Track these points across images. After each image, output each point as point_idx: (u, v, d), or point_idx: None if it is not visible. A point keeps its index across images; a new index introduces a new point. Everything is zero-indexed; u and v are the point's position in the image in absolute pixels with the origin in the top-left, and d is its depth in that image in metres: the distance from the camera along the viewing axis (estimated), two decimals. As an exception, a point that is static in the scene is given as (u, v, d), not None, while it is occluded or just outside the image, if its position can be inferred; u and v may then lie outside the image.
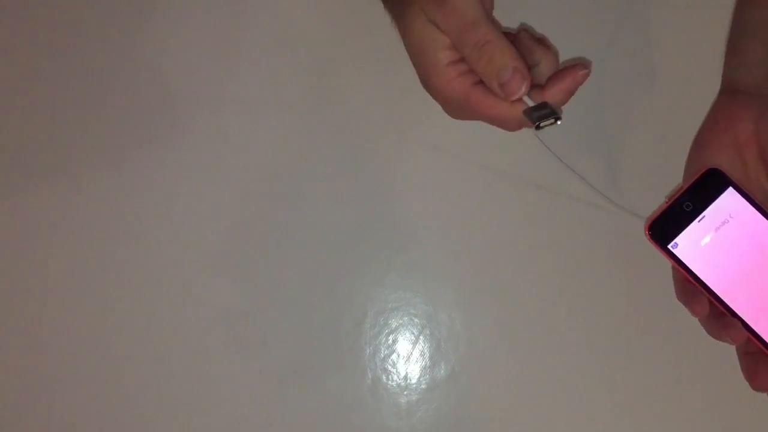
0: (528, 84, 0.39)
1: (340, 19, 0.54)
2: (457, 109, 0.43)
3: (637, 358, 0.52)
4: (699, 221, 0.42)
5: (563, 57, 0.51)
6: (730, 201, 0.42)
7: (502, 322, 0.53)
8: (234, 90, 0.54)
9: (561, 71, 0.42)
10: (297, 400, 0.52)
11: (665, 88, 0.52)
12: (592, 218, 0.52)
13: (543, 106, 0.40)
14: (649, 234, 0.42)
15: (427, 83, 0.42)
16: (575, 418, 0.52)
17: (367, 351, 0.53)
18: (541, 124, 0.40)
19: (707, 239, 0.42)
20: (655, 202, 0.52)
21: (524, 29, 0.45)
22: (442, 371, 0.53)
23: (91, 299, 0.53)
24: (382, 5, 0.45)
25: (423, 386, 0.53)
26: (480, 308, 0.53)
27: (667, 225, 0.42)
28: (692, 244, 0.42)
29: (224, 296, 0.53)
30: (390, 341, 0.53)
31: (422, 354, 0.53)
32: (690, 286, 0.43)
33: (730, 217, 0.42)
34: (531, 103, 0.40)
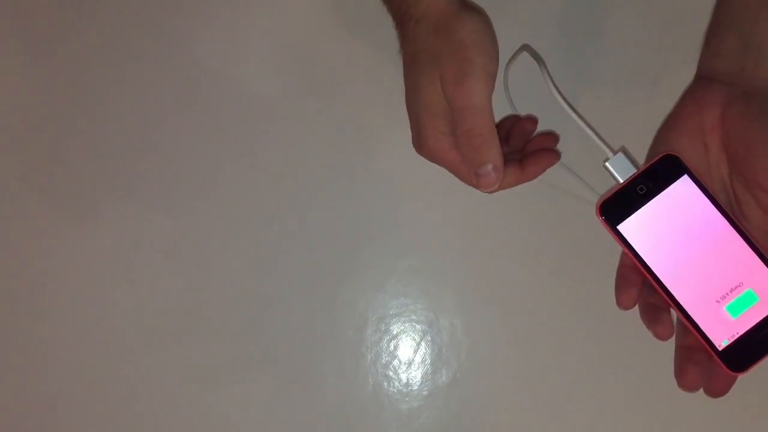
0: (500, 180, 0.43)
1: (339, 25, 0.54)
2: (433, 160, 0.46)
3: (641, 365, 0.52)
4: (651, 205, 0.42)
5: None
6: (684, 188, 0.42)
7: (504, 328, 0.53)
8: (234, 91, 0.54)
9: (539, 155, 0.47)
10: (298, 407, 0.52)
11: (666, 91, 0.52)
12: (596, 224, 0.52)
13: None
14: (600, 212, 0.42)
15: (422, 139, 0.44)
16: (577, 424, 0.52)
17: (369, 357, 0.53)
18: None
19: (657, 224, 0.42)
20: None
21: (531, 118, 0.50)
22: (444, 377, 0.53)
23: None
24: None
25: (424, 392, 0.53)
26: (482, 314, 0.53)
27: (618, 205, 0.42)
28: (641, 228, 0.42)
29: (224, 302, 0.53)
30: (391, 347, 0.53)
31: (423, 360, 0.53)
32: (625, 272, 0.44)
33: (682, 204, 0.42)
34: None
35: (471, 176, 0.43)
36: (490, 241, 0.53)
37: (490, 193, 0.44)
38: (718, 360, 0.40)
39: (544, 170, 0.47)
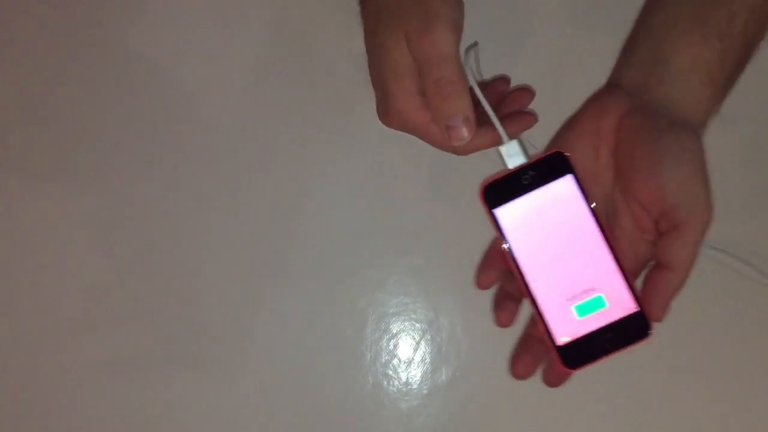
0: (472, 135, 0.42)
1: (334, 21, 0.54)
2: (403, 128, 0.44)
3: (639, 363, 0.52)
4: (531, 196, 0.43)
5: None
6: (565, 187, 0.43)
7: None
8: (235, 93, 0.54)
9: (516, 115, 0.47)
10: (298, 406, 0.52)
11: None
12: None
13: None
14: (483, 194, 0.43)
15: (390, 105, 0.43)
16: (576, 423, 0.52)
17: (368, 356, 0.53)
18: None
19: (532, 216, 0.43)
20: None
21: (504, 78, 0.50)
22: (444, 376, 0.53)
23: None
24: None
25: (424, 391, 0.53)
26: (481, 313, 0.52)
27: (501, 191, 0.43)
28: (517, 216, 0.43)
29: (225, 301, 0.53)
30: (391, 346, 0.53)
31: (423, 359, 0.53)
32: (492, 256, 0.46)
33: (560, 202, 0.43)
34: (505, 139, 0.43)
35: (442, 136, 0.42)
36: (490, 241, 0.53)
37: (463, 153, 0.44)
38: (555, 353, 0.42)
39: (520, 132, 0.46)
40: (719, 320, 0.52)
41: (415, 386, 0.53)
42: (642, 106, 0.44)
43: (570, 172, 0.42)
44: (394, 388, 0.53)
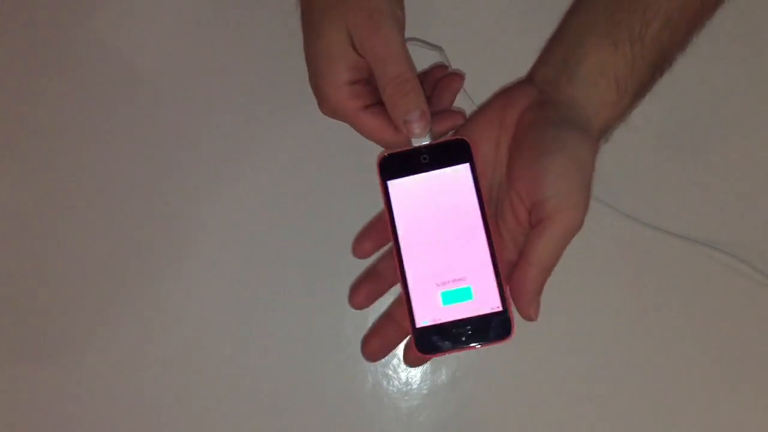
0: (428, 128, 0.43)
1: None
2: (336, 116, 0.46)
3: (640, 362, 0.52)
4: (425, 176, 0.43)
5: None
6: (460, 175, 0.43)
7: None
8: (235, 94, 0.54)
9: (447, 113, 0.48)
10: (298, 405, 0.52)
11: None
12: (594, 222, 0.52)
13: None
14: (380, 164, 0.44)
15: (320, 89, 0.44)
16: (576, 423, 0.52)
17: (368, 356, 0.52)
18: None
19: (422, 196, 0.43)
20: (655, 205, 0.52)
21: (441, 66, 0.51)
22: (443, 376, 0.52)
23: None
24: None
25: (424, 391, 0.53)
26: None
27: (399, 164, 0.44)
28: (408, 193, 0.43)
29: (226, 300, 0.53)
30: (391, 346, 0.53)
31: (423, 359, 0.53)
32: (373, 227, 0.48)
33: (452, 188, 0.43)
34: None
35: (373, 125, 0.44)
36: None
37: (390, 144, 0.45)
38: (411, 334, 0.42)
39: (449, 129, 0.48)
40: (719, 319, 0.52)
41: (414, 386, 0.53)
42: (545, 101, 0.44)
43: (468, 161, 0.43)
44: (394, 388, 0.52)
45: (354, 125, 0.45)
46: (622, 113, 0.45)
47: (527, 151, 0.43)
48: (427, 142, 0.43)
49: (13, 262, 0.53)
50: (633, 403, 0.52)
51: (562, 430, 0.52)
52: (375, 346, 0.47)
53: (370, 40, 0.42)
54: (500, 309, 0.42)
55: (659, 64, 0.45)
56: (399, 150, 0.44)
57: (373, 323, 0.48)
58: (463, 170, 0.43)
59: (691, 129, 0.53)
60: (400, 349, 0.52)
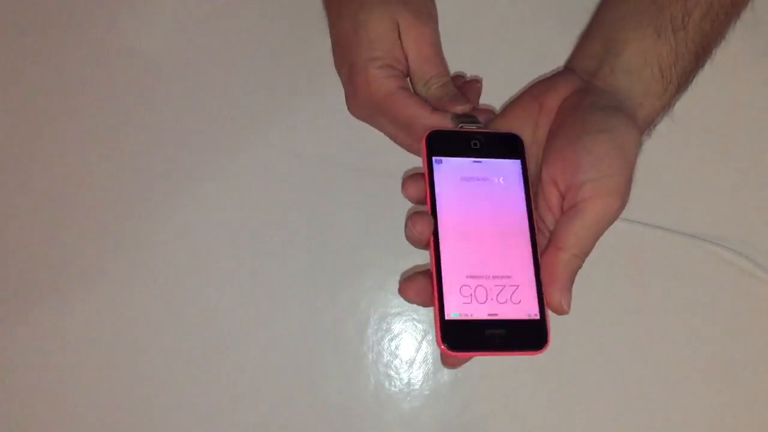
0: (469, 108, 0.44)
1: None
2: (368, 104, 0.46)
3: (640, 361, 0.52)
4: (473, 162, 0.41)
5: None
6: (510, 169, 0.41)
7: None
8: (234, 95, 0.54)
9: (478, 111, 0.47)
10: (300, 406, 0.52)
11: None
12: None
13: (467, 115, 0.45)
14: (427, 138, 0.42)
15: (360, 74, 0.44)
16: (578, 423, 0.52)
17: (370, 356, 0.52)
18: (464, 126, 0.43)
19: (468, 180, 0.41)
20: (655, 203, 0.52)
21: (456, 75, 0.51)
22: (445, 377, 0.52)
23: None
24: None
25: (426, 392, 0.52)
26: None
27: (447, 143, 0.42)
28: (452, 174, 0.41)
29: (227, 300, 0.53)
30: (393, 347, 0.53)
31: (425, 359, 0.53)
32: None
33: (500, 182, 0.41)
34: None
35: (408, 107, 0.44)
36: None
37: (419, 134, 0.43)
38: (438, 327, 0.38)
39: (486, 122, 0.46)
40: (722, 316, 0.52)
41: (416, 387, 0.53)
42: (588, 88, 0.43)
43: (520, 158, 0.42)
44: (396, 389, 0.52)
45: (391, 104, 0.44)
46: (666, 104, 0.44)
47: (567, 132, 0.41)
48: (480, 130, 0.42)
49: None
50: (635, 401, 0.52)
51: (564, 430, 0.52)
52: (413, 290, 0.41)
53: (418, 40, 0.44)
54: (537, 317, 0.39)
55: (701, 54, 0.44)
56: (448, 129, 0.43)
57: (408, 275, 0.42)
58: (513, 165, 0.41)
59: (692, 126, 0.53)
60: (402, 349, 0.53)
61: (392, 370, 0.53)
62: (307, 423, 0.52)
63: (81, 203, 0.53)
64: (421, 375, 0.52)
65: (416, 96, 0.45)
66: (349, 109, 0.47)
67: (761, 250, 0.52)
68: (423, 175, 0.42)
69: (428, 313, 0.52)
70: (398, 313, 0.53)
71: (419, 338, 0.53)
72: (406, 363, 0.53)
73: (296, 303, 0.52)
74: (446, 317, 0.38)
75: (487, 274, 0.39)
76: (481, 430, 0.53)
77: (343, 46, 0.46)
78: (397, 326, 0.53)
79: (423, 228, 0.39)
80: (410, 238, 0.41)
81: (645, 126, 0.44)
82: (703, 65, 0.45)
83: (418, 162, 0.52)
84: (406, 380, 0.53)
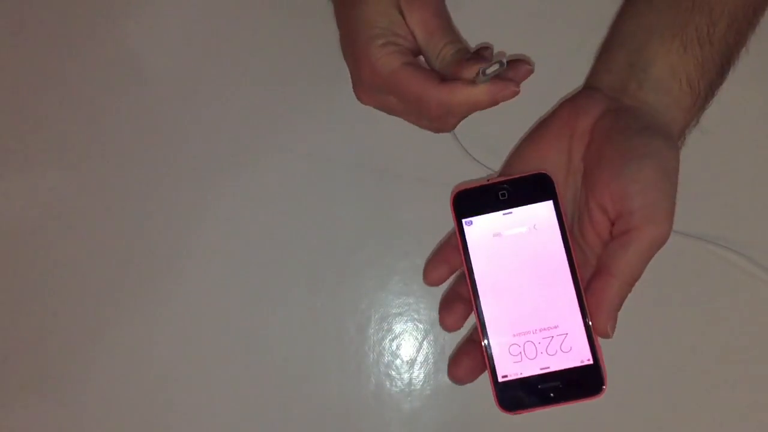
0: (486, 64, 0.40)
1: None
2: (373, 86, 0.43)
3: (640, 361, 0.52)
4: (505, 214, 0.41)
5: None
6: (543, 212, 0.40)
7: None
8: (235, 97, 0.54)
9: (514, 61, 0.44)
10: (300, 406, 0.52)
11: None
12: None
13: (487, 57, 0.42)
14: (453, 200, 0.41)
15: (363, 53, 0.42)
16: (579, 422, 0.52)
17: (371, 356, 0.52)
18: (488, 71, 0.40)
19: (501, 234, 0.40)
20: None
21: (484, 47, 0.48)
22: (447, 377, 0.52)
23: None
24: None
25: (427, 392, 0.52)
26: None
27: (474, 201, 0.41)
28: (485, 231, 0.40)
29: (227, 300, 0.53)
30: (394, 347, 0.53)
31: (426, 359, 0.53)
32: (445, 251, 0.44)
33: (536, 227, 0.40)
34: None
35: (419, 81, 0.41)
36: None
37: (432, 112, 0.42)
38: (493, 390, 0.39)
39: (523, 78, 0.43)
40: (720, 316, 0.52)
41: (417, 387, 0.52)
42: (619, 108, 0.42)
43: (552, 198, 0.40)
44: (397, 389, 0.52)
45: (397, 80, 0.42)
46: (695, 117, 0.44)
47: (610, 160, 0.40)
48: (504, 177, 0.41)
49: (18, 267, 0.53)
50: (635, 400, 0.52)
51: (565, 430, 0.52)
52: (465, 368, 0.43)
53: (421, 12, 0.41)
54: (591, 362, 0.39)
55: (725, 65, 0.44)
56: (475, 185, 0.41)
57: (459, 346, 0.45)
58: (546, 207, 0.40)
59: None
60: (403, 349, 0.53)
61: (393, 370, 0.53)
62: (308, 423, 0.52)
63: (83, 206, 0.53)
64: (422, 375, 0.52)
65: (422, 69, 0.42)
66: (356, 95, 0.45)
67: (761, 250, 0.52)
68: (444, 256, 0.43)
69: (429, 313, 0.53)
70: (399, 314, 0.53)
71: (420, 338, 0.53)
72: (407, 363, 0.53)
73: (297, 303, 0.52)
74: (499, 380, 0.39)
75: (534, 328, 0.39)
76: (482, 431, 0.52)
77: (345, 29, 0.44)
78: (398, 326, 0.53)
79: (453, 321, 0.42)
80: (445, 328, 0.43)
81: (681, 142, 0.44)
82: (727, 75, 0.45)
83: (419, 161, 0.52)
84: (407, 380, 0.52)
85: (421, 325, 0.53)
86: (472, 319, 0.42)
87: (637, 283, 0.52)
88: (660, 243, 0.39)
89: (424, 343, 0.53)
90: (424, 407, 0.52)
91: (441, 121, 0.44)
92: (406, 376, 0.53)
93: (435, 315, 0.52)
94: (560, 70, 0.50)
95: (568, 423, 0.52)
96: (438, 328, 0.52)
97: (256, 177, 0.53)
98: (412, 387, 0.52)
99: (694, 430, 0.52)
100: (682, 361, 0.52)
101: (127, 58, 0.54)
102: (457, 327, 0.42)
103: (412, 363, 0.53)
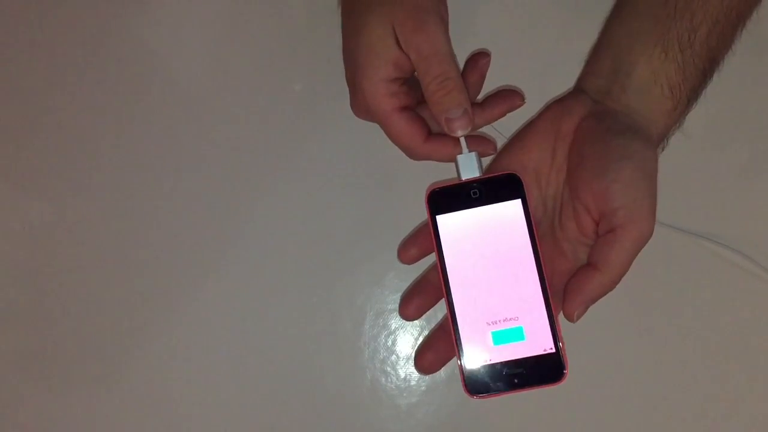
0: (471, 127, 0.43)
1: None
2: (368, 115, 0.45)
3: (639, 360, 0.52)
4: (476, 211, 0.43)
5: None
6: (512, 211, 0.43)
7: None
8: (235, 96, 0.54)
9: (502, 94, 0.48)
10: (296, 402, 0.52)
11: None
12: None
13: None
14: (428, 198, 0.43)
15: (357, 84, 0.44)
16: (575, 420, 0.52)
17: (366, 352, 0.53)
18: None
19: (472, 230, 0.42)
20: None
21: (484, 52, 0.49)
22: (442, 373, 0.52)
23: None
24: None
25: (422, 388, 0.53)
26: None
27: (448, 198, 0.43)
28: (458, 227, 0.43)
29: (225, 299, 0.53)
30: (389, 343, 0.53)
31: (421, 356, 0.53)
32: (420, 235, 0.47)
33: (503, 224, 0.42)
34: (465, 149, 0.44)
35: (402, 128, 0.43)
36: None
37: (417, 156, 0.45)
38: (461, 375, 0.41)
39: (504, 113, 0.48)
40: (720, 315, 0.52)
41: (413, 383, 0.53)
42: (602, 111, 0.44)
43: (520, 197, 0.42)
44: (392, 385, 0.53)
45: (385, 125, 0.44)
46: (677, 120, 0.45)
47: (592, 160, 0.42)
48: (477, 176, 0.43)
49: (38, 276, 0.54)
50: (634, 399, 0.52)
51: (560, 427, 0.52)
52: (430, 359, 0.45)
53: (415, 38, 0.42)
54: (553, 350, 0.41)
55: (708, 69, 0.45)
56: (448, 184, 0.43)
57: (426, 336, 0.47)
58: (513, 205, 0.42)
59: (692, 126, 0.53)
60: (399, 345, 0.53)
61: (388, 366, 0.53)
62: (304, 418, 0.52)
63: (92, 212, 0.54)
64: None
65: (411, 121, 0.44)
66: (352, 108, 0.47)
67: (761, 249, 0.52)
68: (417, 237, 0.46)
69: (425, 310, 0.53)
70: (394, 309, 0.53)
71: (415, 334, 0.53)
72: (403, 359, 0.53)
73: (292, 299, 0.53)
74: (466, 365, 0.41)
75: (500, 318, 0.42)
76: (477, 427, 0.53)
77: (348, 51, 0.45)
78: (393, 322, 0.53)
79: (411, 311, 0.46)
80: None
81: (659, 143, 0.45)
82: (711, 78, 0.45)
83: (416, 162, 0.52)
84: (402, 376, 0.53)
85: (416, 321, 0.53)
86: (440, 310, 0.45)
87: (631, 282, 0.52)
88: (644, 240, 0.41)
89: (420, 339, 0.53)
90: (420, 403, 0.52)
91: (420, 159, 0.46)
92: (401, 372, 0.53)
93: (430, 311, 0.52)
94: (556, 73, 0.50)
95: (565, 421, 0.52)
96: (433, 324, 0.52)
97: (251, 173, 0.54)
98: (408, 383, 0.53)
99: (694, 429, 0.51)
100: (682, 358, 0.52)
101: (131, 68, 0.55)
102: (414, 317, 0.46)
103: (407, 359, 0.53)
